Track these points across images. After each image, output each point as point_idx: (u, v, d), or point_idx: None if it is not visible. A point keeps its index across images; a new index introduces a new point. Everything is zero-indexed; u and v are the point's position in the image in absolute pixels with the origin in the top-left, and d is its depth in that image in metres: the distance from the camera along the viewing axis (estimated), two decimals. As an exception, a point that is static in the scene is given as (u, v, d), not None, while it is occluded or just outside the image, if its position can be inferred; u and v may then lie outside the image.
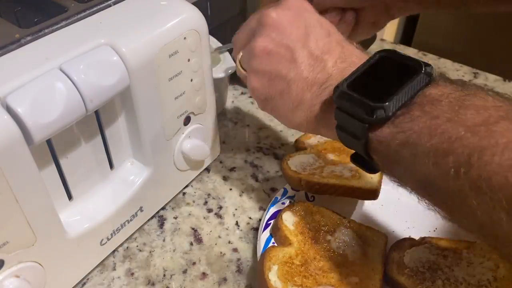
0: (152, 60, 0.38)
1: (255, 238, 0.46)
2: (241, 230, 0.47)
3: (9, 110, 0.30)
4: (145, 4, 0.41)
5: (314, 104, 0.36)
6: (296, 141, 0.55)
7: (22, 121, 0.30)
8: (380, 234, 0.43)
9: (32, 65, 0.32)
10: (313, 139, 0.53)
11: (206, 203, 0.50)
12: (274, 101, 0.39)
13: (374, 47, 0.73)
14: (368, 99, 0.31)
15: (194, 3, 0.43)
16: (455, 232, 0.43)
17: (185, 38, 0.40)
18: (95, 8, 0.39)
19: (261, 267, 0.39)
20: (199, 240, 0.46)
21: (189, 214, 0.49)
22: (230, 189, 0.52)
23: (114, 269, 0.44)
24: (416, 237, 0.42)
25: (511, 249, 0.26)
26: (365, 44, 0.70)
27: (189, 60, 0.41)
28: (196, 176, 0.52)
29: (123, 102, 0.39)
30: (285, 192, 0.47)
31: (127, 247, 0.46)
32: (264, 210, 0.48)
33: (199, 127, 0.47)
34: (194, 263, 0.44)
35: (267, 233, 0.43)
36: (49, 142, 0.35)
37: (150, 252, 0.45)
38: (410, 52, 0.73)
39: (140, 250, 0.45)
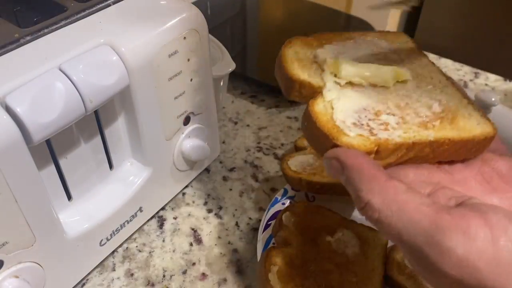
0: (152, 60, 0.38)
1: (255, 238, 0.46)
2: (241, 231, 0.47)
3: (8, 110, 0.30)
4: (144, 3, 0.41)
5: None
6: (296, 141, 0.55)
7: (21, 121, 0.30)
8: (381, 234, 0.43)
9: (31, 65, 0.32)
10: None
11: (206, 203, 0.50)
12: None
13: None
14: None
15: (194, 3, 0.43)
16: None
17: (185, 37, 0.40)
18: (94, 8, 0.39)
19: (261, 268, 0.39)
20: (199, 240, 0.46)
21: (189, 215, 0.49)
22: (230, 189, 0.51)
23: (113, 269, 0.44)
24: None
25: None
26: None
27: (189, 60, 0.41)
28: (196, 176, 0.52)
29: (122, 102, 0.39)
30: (285, 192, 0.47)
31: (127, 248, 0.45)
32: (264, 210, 0.48)
33: (199, 127, 0.47)
34: (194, 264, 0.44)
35: (267, 233, 0.43)
36: (48, 142, 0.35)
37: (150, 252, 0.45)
38: (411, 52, 0.73)
39: (140, 251, 0.45)
